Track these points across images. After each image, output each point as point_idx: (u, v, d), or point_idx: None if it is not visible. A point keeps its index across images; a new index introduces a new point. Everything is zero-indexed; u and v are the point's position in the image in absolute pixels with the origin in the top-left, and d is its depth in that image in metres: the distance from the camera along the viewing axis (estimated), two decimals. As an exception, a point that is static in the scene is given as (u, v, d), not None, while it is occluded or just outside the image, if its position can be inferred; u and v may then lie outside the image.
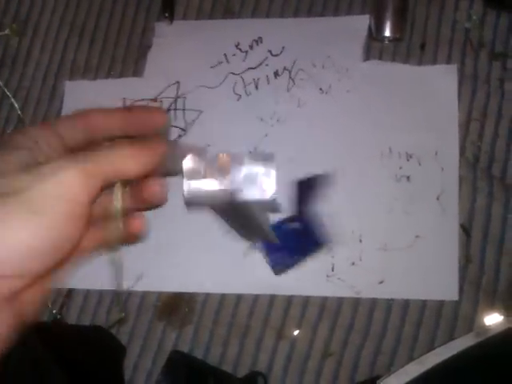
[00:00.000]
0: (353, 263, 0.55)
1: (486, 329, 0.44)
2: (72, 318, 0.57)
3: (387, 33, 0.62)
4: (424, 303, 0.54)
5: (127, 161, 0.25)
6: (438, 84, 0.58)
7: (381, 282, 0.54)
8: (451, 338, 0.52)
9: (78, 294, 0.57)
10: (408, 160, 0.56)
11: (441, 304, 0.54)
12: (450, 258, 0.54)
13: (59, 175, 0.23)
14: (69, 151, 0.27)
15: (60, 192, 0.23)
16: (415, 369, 0.42)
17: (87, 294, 0.57)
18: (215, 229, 0.57)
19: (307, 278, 0.55)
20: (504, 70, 0.61)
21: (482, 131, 0.59)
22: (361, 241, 0.55)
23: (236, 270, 0.56)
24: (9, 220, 0.22)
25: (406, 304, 0.54)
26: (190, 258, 0.57)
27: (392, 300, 0.54)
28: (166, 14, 0.65)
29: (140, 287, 0.56)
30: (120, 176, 0.25)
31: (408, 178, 0.56)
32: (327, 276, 0.55)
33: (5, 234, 0.22)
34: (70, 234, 0.24)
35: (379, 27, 0.62)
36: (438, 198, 0.55)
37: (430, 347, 0.52)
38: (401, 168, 0.56)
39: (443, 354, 0.43)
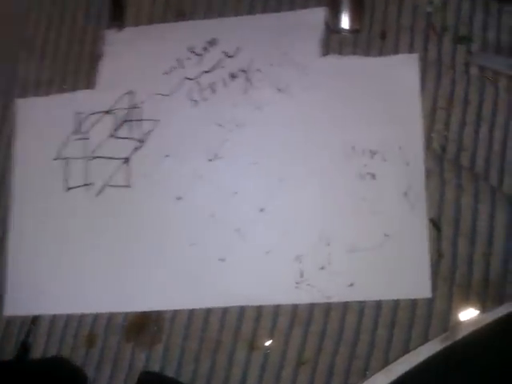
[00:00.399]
0: (322, 267, 0.53)
1: (453, 331, 0.43)
2: (39, 345, 0.55)
3: (345, 24, 0.59)
4: (397, 303, 0.52)
5: None
6: (399, 75, 0.56)
7: (351, 285, 0.53)
8: (426, 337, 0.51)
9: (44, 320, 0.56)
10: (372, 157, 0.54)
11: (414, 303, 0.52)
12: (421, 255, 0.52)
13: None
14: None
15: None
16: (382, 379, 0.41)
17: (53, 319, 0.56)
18: (177, 243, 0.55)
19: (276, 287, 0.53)
20: (469, 54, 0.59)
21: (449, 120, 0.57)
22: (328, 244, 0.54)
23: (203, 283, 0.54)
24: None
25: (378, 306, 0.52)
26: (154, 275, 0.55)
27: (364, 302, 0.53)
28: (116, 22, 0.63)
29: (105, 308, 0.55)
30: None
31: (373, 175, 0.54)
32: (296, 283, 0.53)
33: None
34: None
35: (336, 19, 0.59)
36: (405, 194, 0.54)
37: (405, 349, 0.51)
38: (365, 166, 0.54)
39: (411, 361, 0.41)
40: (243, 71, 0.58)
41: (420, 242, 0.53)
